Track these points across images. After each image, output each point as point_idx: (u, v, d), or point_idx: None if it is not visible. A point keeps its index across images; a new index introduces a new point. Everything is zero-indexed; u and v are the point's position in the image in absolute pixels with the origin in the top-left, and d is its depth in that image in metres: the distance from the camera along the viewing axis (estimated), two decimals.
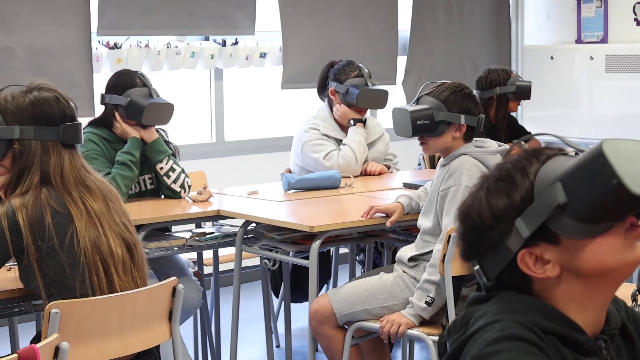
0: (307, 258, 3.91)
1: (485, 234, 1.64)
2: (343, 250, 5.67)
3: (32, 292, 3.07)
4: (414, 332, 3.66)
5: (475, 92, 5.41)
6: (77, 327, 2.84)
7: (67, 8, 5.60)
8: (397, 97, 7.05)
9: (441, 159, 3.84)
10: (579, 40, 7.66)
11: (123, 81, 4.33)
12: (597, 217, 1.57)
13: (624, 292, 3.47)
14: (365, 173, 5.09)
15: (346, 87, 5.01)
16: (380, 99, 5.09)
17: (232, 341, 4.35)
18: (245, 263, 4.97)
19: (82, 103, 5.50)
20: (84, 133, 4.22)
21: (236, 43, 6.38)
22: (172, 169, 4.37)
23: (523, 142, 3.99)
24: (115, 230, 3.01)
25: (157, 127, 4.43)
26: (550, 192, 1.58)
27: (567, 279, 1.62)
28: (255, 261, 5.38)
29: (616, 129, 7.14)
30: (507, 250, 1.62)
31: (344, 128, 5.09)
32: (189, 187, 4.42)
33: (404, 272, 3.80)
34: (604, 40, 7.51)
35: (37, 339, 3.13)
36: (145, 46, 5.97)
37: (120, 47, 5.87)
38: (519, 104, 5.79)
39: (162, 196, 4.46)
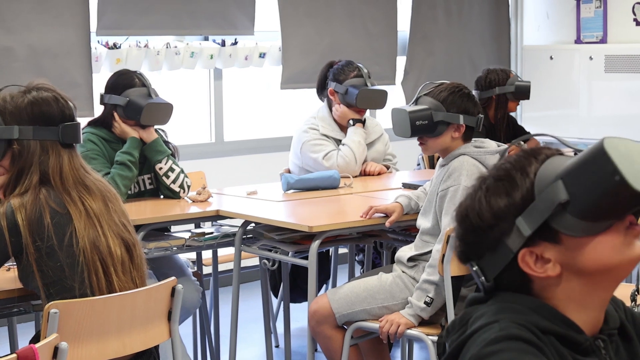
0: (306, 258, 3.91)
1: (485, 234, 1.64)
2: (342, 250, 5.67)
3: (31, 292, 3.07)
4: (413, 332, 3.66)
5: (474, 92, 5.42)
6: (76, 327, 2.84)
7: (67, 8, 5.60)
8: (396, 97, 7.05)
9: (440, 159, 3.84)
10: (578, 41, 7.66)
11: (122, 81, 4.33)
12: (599, 215, 1.57)
13: (623, 292, 3.48)
14: (364, 173, 5.10)
15: (345, 87, 5.01)
16: (379, 99, 5.09)
17: (231, 341, 4.35)
18: (245, 263, 4.97)
19: (81, 103, 5.50)
20: (83, 133, 4.22)
21: (235, 43, 6.38)
22: (171, 169, 4.37)
23: (522, 142, 4.00)
24: (114, 230, 3.01)
25: (156, 127, 4.43)
26: (552, 190, 1.59)
27: (568, 278, 1.63)
28: (255, 261, 5.37)
29: (615, 129, 7.14)
30: (507, 250, 1.62)
31: (343, 128, 5.09)
32: (188, 187, 4.42)
33: (403, 272, 3.80)
34: (603, 40, 7.51)
35: (36, 339, 3.13)
36: (145, 46, 5.97)
37: (120, 47, 5.87)
38: (518, 104, 5.80)
39: (161, 196, 4.46)
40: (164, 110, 4.33)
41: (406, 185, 4.63)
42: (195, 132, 6.59)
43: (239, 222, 4.24)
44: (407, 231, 4.27)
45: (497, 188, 1.64)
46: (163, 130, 4.54)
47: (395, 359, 4.98)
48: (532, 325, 1.58)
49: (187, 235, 4.24)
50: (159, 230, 4.25)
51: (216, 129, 6.54)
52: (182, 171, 4.41)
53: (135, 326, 3.00)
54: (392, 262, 4.00)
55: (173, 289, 3.10)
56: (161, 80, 6.10)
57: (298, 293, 5.10)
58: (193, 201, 4.37)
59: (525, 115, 7.72)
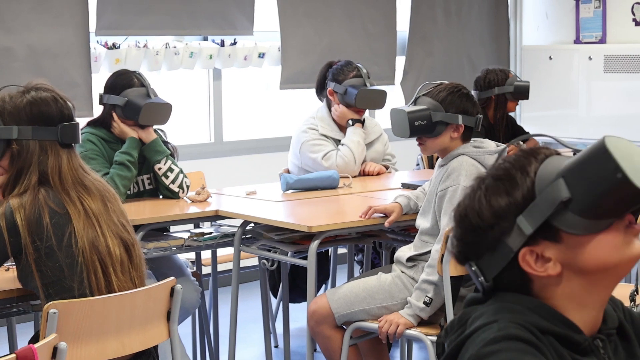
0: (305, 258, 3.91)
1: (485, 233, 1.64)
2: (341, 250, 5.67)
3: (30, 292, 3.07)
4: (412, 332, 3.66)
5: (473, 92, 5.42)
6: (75, 327, 2.84)
7: (66, 8, 5.60)
8: (395, 97, 7.05)
9: (439, 159, 3.84)
10: (577, 41, 7.66)
11: (121, 81, 4.33)
12: (600, 213, 1.58)
13: (623, 292, 3.48)
14: (363, 173, 5.09)
15: (345, 87, 5.01)
16: (378, 99, 5.09)
17: (231, 341, 4.35)
18: (244, 263, 4.96)
19: (80, 103, 5.50)
20: (83, 133, 4.22)
21: (235, 43, 6.38)
22: (170, 169, 4.37)
23: (521, 142, 4.01)
24: (113, 230, 3.01)
25: (155, 127, 4.43)
26: (553, 189, 1.59)
27: (568, 277, 1.63)
28: (254, 261, 5.38)
29: (614, 129, 7.14)
30: (507, 249, 1.62)
31: (343, 128, 5.09)
32: (187, 187, 4.42)
33: (402, 272, 3.80)
34: (602, 40, 7.52)
35: (35, 339, 3.13)
36: (144, 46, 5.97)
37: (119, 47, 5.87)
38: (517, 104, 5.80)
39: (161, 196, 4.46)
40: (163, 110, 4.33)
41: (405, 186, 4.63)
42: (195, 132, 6.59)
43: (238, 222, 4.24)
44: (406, 231, 4.27)
45: (497, 187, 1.64)
46: (162, 131, 4.54)
47: (395, 359, 4.98)
48: (531, 325, 1.58)
49: (186, 235, 4.24)
50: (158, 231, 4.25)
51: (215, 129, 6.54)
52: (181, 171, 4.41)
53: (134, 326, 3.00)
54: (391, 262, 4.00)
55: (172, 289, 3.10)
56: (160, 81, 6.11)
57: (297, 293, 5.10)
58: (192, 201, 4.37)
59: (525, 115, 7.72)
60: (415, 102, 3.81)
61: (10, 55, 5.43)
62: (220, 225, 4.49)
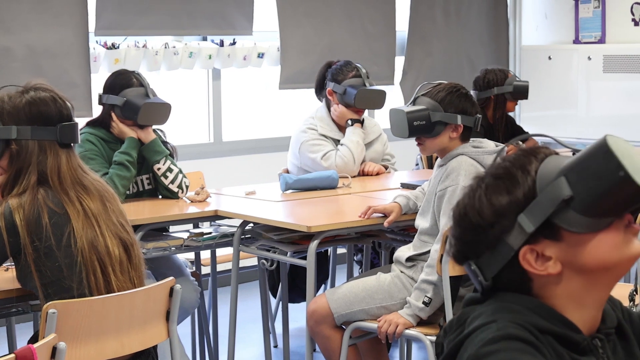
0: (304, 258, 3.91)
1: (485, 232, 1.64)
2: (341, 250, 5.67)
3: (29, 292, 3.07)
4: (412, 332, 3.66)
5: (472, 92, 5.41)
6: (74, 327, 2.84)
7: (65, 8, 5.60)
8: (394, 97, 7.06)
9: (438, 159, 3.83)
10: (576, 41, 7.66)
11: (120, 81, 4.33)
12: (602, 211, 1.58)
13: (622, 292, 3.49)
14: (362, 173, 5.09)
15: (344, 87, 5.01)
16: (378, 99, 5.09)
17: (230, 341, 4.35)
18: (243, 263, 4.97)
19: (79, 103, 5.50)
20: (82, 133, 4.22)
21: (234, 43, 6.38)
22: (169, 170, 4.37)
23: (520, 142, 4.01)
24: (112, 230, 3.01)
25: (154, 127, 4.43)
26: (555, 187, 1.59)
27: (568, 276, 1.63)
28: (253, 261, 5.38)
29: (614, 130, 7.13)
30: (507, 248, 1.62)
31: (342, 128, 5.09)
32: (187, 187, 4.42)
33: (401, 272, 3.80)
34: (601, 40, 7.52)
35: (34, 339, 3.13)
36: (143, 46, 5.97)
37: (118, 47, 5.87)
38: (517, 104, 5.80)
39: (160, 196, 4.46)
40: (162, 110, 4.33)
41: (404, 185, 4.63)
42: (194, 132, 6.59)
43: (237, 222, 4.24)
44: (405, 231, 4.27)
45: (497, 186, 1.64)
46: (161, 131, 4.54)
47: (394, 359, 4.98)
48: (530, 325, 1.58)
49: (185, 235, 4.24)
50: (157, 231, 4.25)
51: (214, 129, 6.54)
52: (180, 171, 4.41)
53: (133, 326, 3.00)
54: (391, 262, 4.00)
55: (171, 289, 3.10)
56: (160, 81, 6.11)
57: (297, 293, 5.10)
58: (191, 201, 4.37)
59: (524, 115, 7.73)
60: (414, 102, 3.81)
61: (10, 55, 5.43)
62: (220, 225, 4.49)
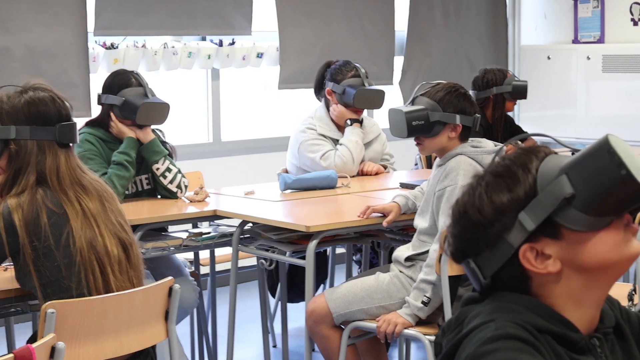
0: (303, 258, 3.91)
1: (485, 230, 1.63)
2: (340, 250, 5.67)
3: (28, 292, 3.07)
4: (411, 331, 3.66)
5: (471, 92, 5.42)
6: (73, 327, 2.84)
7: (64, 8, 5.60)
8: (394, 97, 7.06)
9: (437, 159, 3.83)
10: (575, 41, 7.67)
11: (118, 81, 4.33)
12: (603, 209, 1.58)
13: (621, 291, 3.49)
14: (361, 173, 5.09)
15: (343, 87, 5.01)
16: (377, 99, 5.09)
17: (229, 341, 4.35)
18: (242, 263, 4.97)
19: (78, 103, 5.50)
20: (81, 133, 4.23)
21: (233, 43, 6.38)
22: (168, 170, 4.36)
23: (519, 142, 4.01)
24: (111, 230, 3.01)
25: (153, 127, 4.43)
26: (556, 185, 1.59)
27: (567, 275, 1.63)
28: (252, 261, 5.37)
29: (613, 129, 7.07)
30: (507, 246, 1.62)
31: (341, 128, 5.09)
32: (186, 187, 4.42)
33: (400, 272, 3.80)
34: (600, 40, 7.52)
35: (33, 339, 3.13)
36: (142, 46, 5.97)
37: (117, 47, 5.87)
38: (516, 104, 5.80)
39: (159, 196, 4.46)
40: (160, 110, 4.33)
41: (403, 185, 4.63)
42: (193, 132, 6.59)
43: (236, 222, 4.24)
44: (404, 231, 4.27)
45: (498, 184, 1.64)
46: (160, 131, 4.54)
47: (393, 359, 4.98)
48: (528, 324, 1.59)
49: (184, 235, 4.24)
50: (156, 230, 4.25)
51: (214, 129, 6.55)
52: (179, 171, 4.41)
53: (132, 326, 3.00)
54: (390, 261, 4.00)
55: (170, 289, 3.10)
56: (159, 81, 6.11)
57: (296, 293, 5.10)
58: (190, 201, 4.37)
59: (523, 115, 7.73)
60: (412, 102, 3.80)
61: (8, 55, 5.43)
62: (219, 225, 4.49)
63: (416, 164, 5.81)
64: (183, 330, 4.67)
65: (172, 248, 4.14)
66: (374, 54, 7.05)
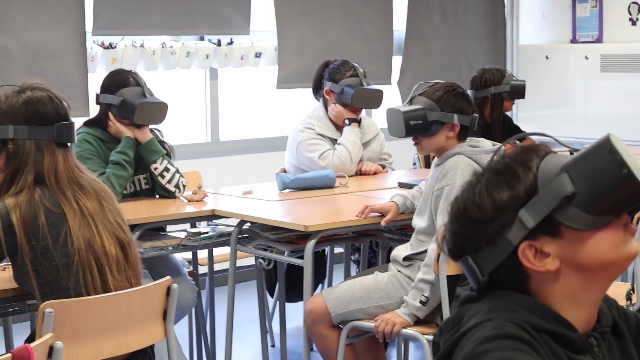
0: (302, 257, 3.91)
1: (484, 226, 1.63)
2: (338, 249, 5.67)
3: (26, 291, 3.07)
4: (409, 331, 3.66)
5: (469, 91, 5.41)
6: (71, 327, 2.84)
7: (63, 8, 5.60)
8: (392, 97, 7.06)
9: (435, 158, 3.84)
10: (574, 40, 7.67)
11: (116, 80, 4.33)
12: (603, 208, 1.59)
13: (619, 291, 3.49)
14: (360, 172, 5.09)
15: (341, 86, 5.01)
16: (375, 99, 5.09)
17: (227, 341, 4.35)
18: (240, 263, 4.96)
19: (76, 103, 5.50)
20: (79, 133, 4.23)
21: (231, 43, 6.38)
22: (166, 169, 4.36)
23: (517, 142, 4.01)
24: (109, 230, 3.01)
25: (152, 126, 4.43)
26: (557, 183, 1.59)
27: (566, 274, 1.63)
28: (250, 261, 5.37)
29: (611, 129, 7.06)
30: (506, 243, 1.62)
31: (339, 128, 5.09)
32: (184, 186, 4.42)
33: (398, 271, 3.80)
34: (599, 40, 7.52)
35: (31, 338, 3.13)
36: (140, 46, 5.97)
37: (115, 47, 5.87)
38: (514, 103, 5.81)
39: (157, 196, 4.46)
40: (158, 110, 4.33)
41: (402, 185, 4.63)
42: (191, 131, 6.59)
43: (234, 221, 4.24)
44: (402, 230, 4.27)
45: (498, 181, 1.64)
46: (159, 130, 4.54)
47: (391, 359, 4.98)
48: (525, 323, 1.59)
49: (182, 234, 4.23)
50: (154, 230, 4.25)
51: (212, 128, 6.55)
52: (177, 171, 4.40)
53: (130, 325, 3.00)
54: (388, 261, 4.00)
55: (168, 289, 3.10)
56: (157, 80, 6.11)
57: (294, 292, 5.10)
58: (189, 201, 4.37)
59: (521, 114, 7.73)
60: (410, 102, 3.81)
61: (7, 55, 5.43)
62: (217, 225, 4.49)
63: (414, 164, 5.81)
64: (181, 329, 4.67)
65: (170, 248, 4.14)
66: (372, 54, 7.05)
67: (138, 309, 3.01)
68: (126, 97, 4.26)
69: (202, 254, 4.81)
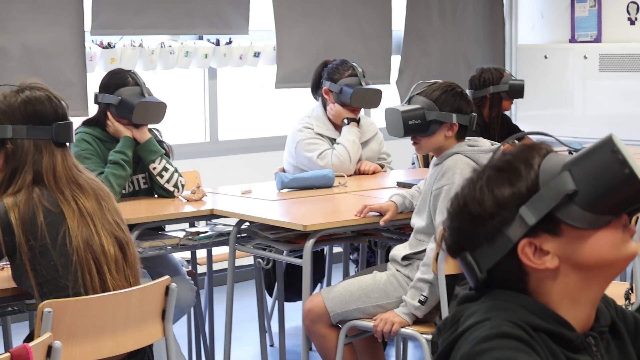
0: (300, 257, 3.91)
1: (484, 223, 1.63)
2: (337, 249, 5.67)
3: (25, 291, 3.07)
4: (408, 330, 3.66)
5: (468, 91, 5.40)
6: (70, 326, 2.84)
7: (61, 8, 5.60)
8: (391, 96, 7.06)
9: (434, 158, 3.84)
10: (572, 40, 7.67)
11: (115, 80, 4.33)
12: (604, 208, 1.59)
13: (618, 290, 3.49)
14: (359, 172, 5.09)
15: (340, 86, 5.01)
16: (374, 99, 5.09)
17: (226, 340, 4.35)
18: (239, 262, 4.96)
19: (75, 103, 5.50)
20: (77, 133, 4.23)
21: (230, 42, 6.38)
22: (165, 169, 4.36)
23: (516, 141, 4.01)
24: (107, 229, 3.01)
25: (150, 126, 4.43)
26: (559, 181, 1.59)
27: (565, 272, 1.63)
28: (249, 260, 5.36)
29: (610, 129, 7.06)
30: (506, 240, 1.62)
31: (338, 127, 5.09)
32: (183, 186, 4.42)
33: (397, 270, 3.80)
34: (597, 39, 7.52)
35: (30, 338, 3.13)
36: (139, 45, 5.97)
37: (114, 46, 5.87)
38: (512, 103, 5.81)
39: (156, 195, 4.46)
40: (157, 109, 4.33)
41: (400, 184, 4.63)
42: (190, 131, 6.59)
43: (233, 221, 4.24)
44: (401, 230, 4.27)
45: (499, 178, 1.64)
46: (157, 130, 4.53)
47: (390, 358, 4.98)
48: (523, 322, 1.59)
49: (181, 234, 4.23)
50: (153, 230, 4.25)
51: (211, 128, 6.55)
52: (176, 170, 4.40)
53: (129, 325, 3.00)
54: (387, 260, 4.00)
55: (167, 288, 3.10)
56: (156, 80, 6.10)
57: (293, 292, 5.10)
58: (187, 200, 4.37)
59: (520, 114, 7.73)
60: (409, 102, 3.81)
61: (5, 54, 5.43)
62: (216, 224, 4.49)
63: (413, 163, 5.81)
64: (180, 329, 4.66)
65: (169, 247, 4.14)
66: (371, 54, 7.05)
67: (137, 308, 3.01)
68: (125, 96, 4.26)
69: (201, 254, 4.81)
